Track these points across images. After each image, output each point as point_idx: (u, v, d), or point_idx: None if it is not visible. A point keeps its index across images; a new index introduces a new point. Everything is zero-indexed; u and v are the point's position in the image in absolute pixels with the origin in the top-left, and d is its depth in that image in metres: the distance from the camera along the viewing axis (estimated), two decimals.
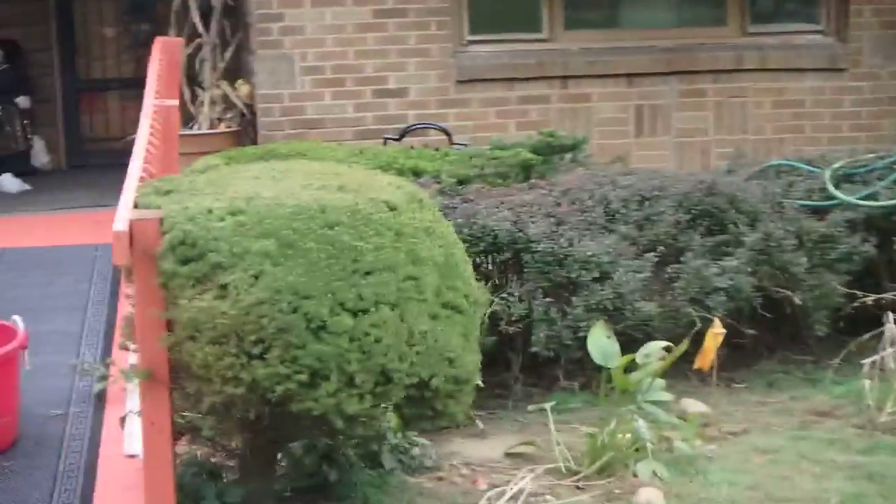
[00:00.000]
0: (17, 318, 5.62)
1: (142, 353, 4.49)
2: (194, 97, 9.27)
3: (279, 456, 5.08)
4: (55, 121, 10.81)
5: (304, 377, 4.22)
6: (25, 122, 10.41)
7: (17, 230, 8.69)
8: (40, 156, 10.55)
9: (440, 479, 5.31)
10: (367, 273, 4.31)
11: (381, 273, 4.33)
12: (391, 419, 5.06)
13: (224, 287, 4.24)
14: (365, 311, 4.27)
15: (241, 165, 5.30)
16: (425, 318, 4.42)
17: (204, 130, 9.14)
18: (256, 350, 4.24)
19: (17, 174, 10.01)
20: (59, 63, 10.89)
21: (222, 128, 9.21)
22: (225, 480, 4.91)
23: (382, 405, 4.47)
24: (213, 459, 5.01)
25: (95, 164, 10.55)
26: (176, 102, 6.39)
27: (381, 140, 8.26)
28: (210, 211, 4.38)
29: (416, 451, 5.43)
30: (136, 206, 4.57)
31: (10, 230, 8.62)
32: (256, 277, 4.23)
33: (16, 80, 10.31)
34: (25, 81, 10.48)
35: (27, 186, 9.89)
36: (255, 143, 8.74)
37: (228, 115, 9.28)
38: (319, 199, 4.46)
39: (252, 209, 4.39)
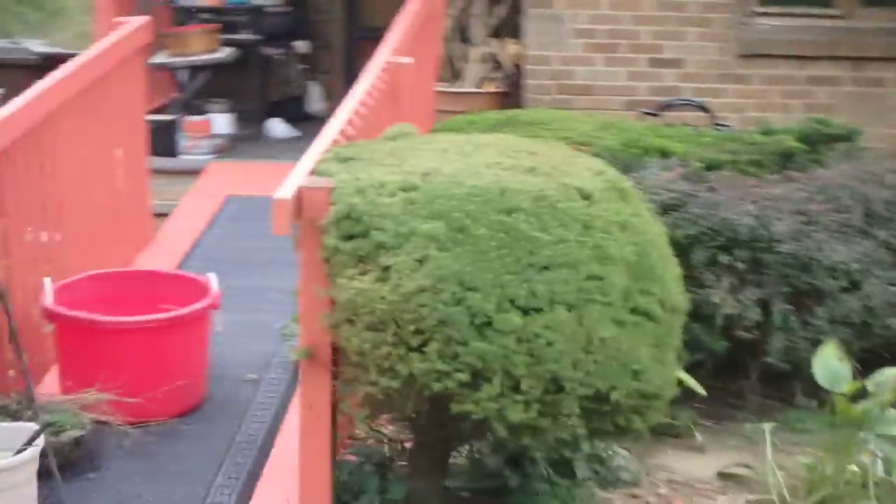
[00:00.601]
0: (212, 275, 5.58)
1: (303, 331, 4.38)
2: (462, 54, 9.09)
3: (460, 450, 4.86)
4: (334, 68, 10.79)
5: (464, 376, 3.98)
6: (303, 67, 10.43)
7: (263, 177, 8.71)
8: (314, 102, 10.57)
9: (634, 496, 5.01)
10: (544, 268, 4.02)
11: (560, 269, 4.03)
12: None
13: (386, 269, 4.05)
14: (537, 310, 3.99)
15: (436, 135, 5.08)
16: (608, 323, 4.07)
17: (468, 89, 8.95)
18: (415, 341, 4.03)
19: (289, 120, 10.06)
20: (342, 9, 10.85)
21: (488, 88, 8.99)
22: (391, 476, 4.67)
23: (553, 416, 4.13)
24: (383, 452, 4.77)
25: None
26: (409, 61, 6.21)
27: (639, 113, 7.88)
28: (381, 185, 4.19)
29: (616, 461, 5.08)
30: (314, 173, 4.41)
31: (256, 176, 8.62)
32: (420, 262, 4.01)
33: (296, 25, 10.35)
34: (305, 26, 10.50)
35: (296, 133, 9.91)
36: (519, 106, 8.49)
37: (496, 76, 9.07)
38: (501, 180, 4.19)
39: (425, 186, 4.17)
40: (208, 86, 9.35)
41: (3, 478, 4.24)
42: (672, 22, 8.65)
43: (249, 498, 4.78)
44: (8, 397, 4.94)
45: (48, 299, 5.33)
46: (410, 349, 4.03)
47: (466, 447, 4.94)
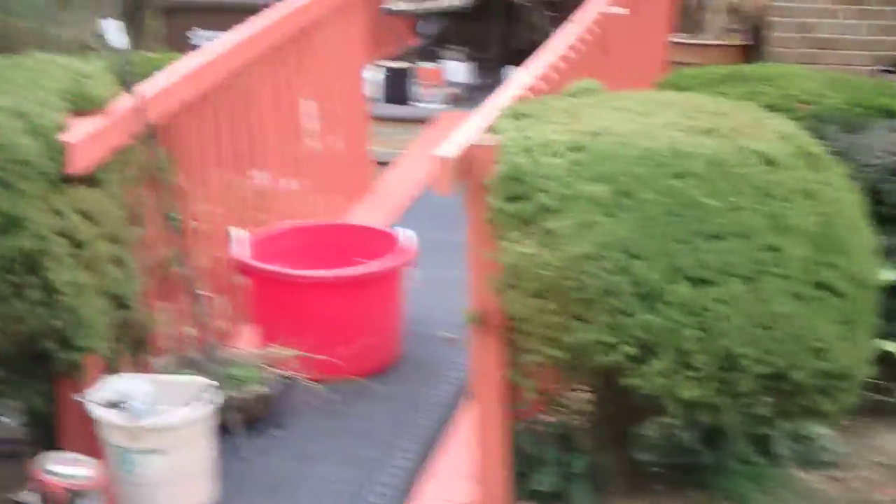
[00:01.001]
0: (410, 233, 5.57)
1: (473, 295, 4.32)
2: (700, 4, 8.84)
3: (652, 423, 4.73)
4: None
5: (631, 349, 3.90)
6: (547, 13, 10.19)
7: None
8: None
9: (836, 479, 4.75)
10: (714, 237, 3.89)
11: (732, 239, 3.89)
12: None
13: (550, 234, 3.98)
14: (708, 282, 3.85)
15: (621, 93, 4.90)
16: (786, 297, 3.90)
17: (707, 41, 8.69)
18: (579, 311, 3.95)
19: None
20: None
21: (730, 40, 8.71)
22: (574, 447, 4.58)
23: (731, 394, 3.97)
24: (564, 423, 4.67)
25: None
26: (623, 11, 6.05)
27: (874, 71, 7.48)
28: (548, 144, 4.10)
29: (820, 440, 4.86)
30: (490, 129, 4.35)
31: None
32: (584, 227, 3.91)
33: None
34: None
35: None
36: (762, 60, 8.20)
37: (738, 27, 8.76)
38: (675, 142, 4.07)
39: (594, 147, 4.07)
40: (447, 33, 9.32)
41: (183, 430, 4.39)
42: None
43: (430, 463, 4.79)
44: (201, 350, 5.06)
45: (242, 251, 5.44)
46: (575, 318, 3.95)
47: (658, 420, 4.79)
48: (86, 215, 4.36)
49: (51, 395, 4.54)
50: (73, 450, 4.44)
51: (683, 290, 3.83)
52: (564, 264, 3.91)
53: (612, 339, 3.88)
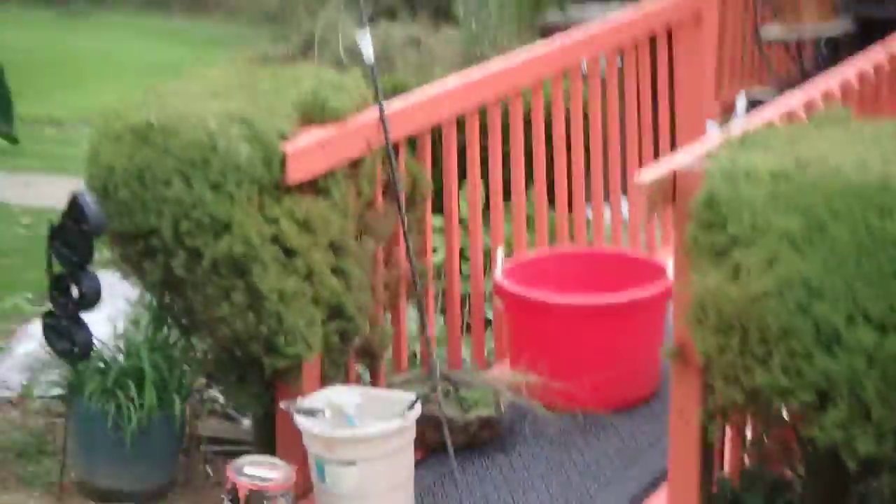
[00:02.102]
0: (670, 261, 5.63)
1: (675, 328, 4.37)
2: None
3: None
4: None
5: (808, 396, 3.88)
6: None
7: None
8: None
9: None
10: None
11: None
12: None
13: (737, 267, 4.00)
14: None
15: (866, 124, 4.78)
16: None
17: None
18: (760, 351, 3.98)
19: None
20: None
21: None
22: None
23: None
24: (774, 474, 4.63)
25: None
26: None
27: None
28: (751, 172, 4.12)
29: None
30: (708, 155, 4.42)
31: None
32: (770, 262, 3.92)
33: None
34: None
35: None
36: None
37: None
38: (891, 174, 3.97)
39: (798, 177, 4.06)
40: (825, 62, 9.16)
41: (377, 444, 4.67)
42: None
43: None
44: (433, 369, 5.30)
45: (498, 273, 5.69)
46: (755, 359, 3.99)
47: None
48: (302, 224, 4.72)
49: (266, 398, 4.94)
50: (284, 454, 4.81)
51: (867, 335, 3.79)
52: (748, 301, 3.94)
53: (789, 384, 3.88)
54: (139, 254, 4.69)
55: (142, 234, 4.64)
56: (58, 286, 4.78)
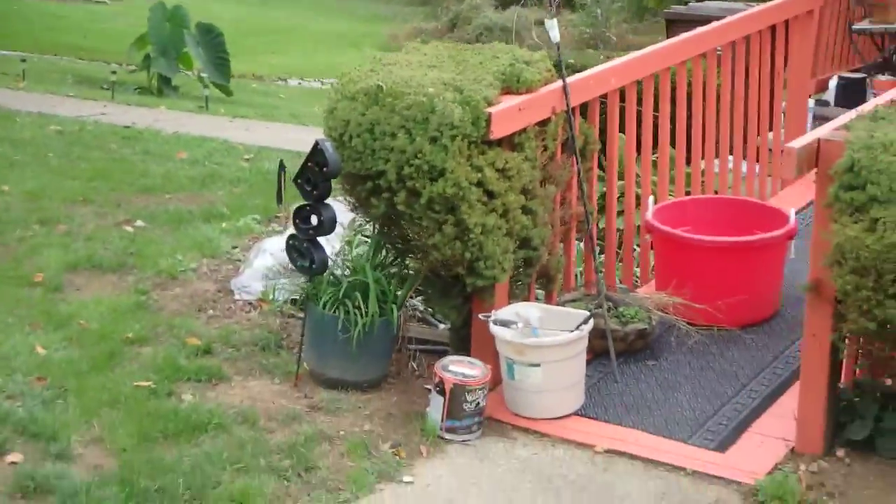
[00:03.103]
0: (792, 209, 5.40)
1: (811, 267, 4.21)
2: None
3: None
4: None
5: None
6: None
7: None
8: None
9: None
10: None
11: None
12: None
13: (875, 221, 3.92)
14: None
15: None
16: None
17: None
18: (892, 290, 3.84)
19: None
20: None
21: None
22: (890, 407, 4.36)
23: None
24: (886, 384, 4.42)
25: None
26: None
27: None
28: (890, 144, 3.95)
29: None
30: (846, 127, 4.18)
31: None
32: None
33: None
34: None
35: None
36: None
37: None
38: None
39: None
40: None
41: (557, 350, 4.57)
42: None
43: (771, 405, 4.70)
44: (597, 290, 5.16)
45: (649, 214, 5.47)
46: (888, 296, 3.84)
47: None
48: (502, 172, 4.59)
49: (464, 310, 4.82)
50: (478, 356, 4.71)
51: None
52: (884, 248, 3.82)
53: None
54: (367, 192, 4.58)
55: (370, 176, 4.54)
56: (299, 215, 4.68)
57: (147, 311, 5.44)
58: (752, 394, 4.78)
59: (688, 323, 5.08)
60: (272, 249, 5.83)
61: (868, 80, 8.68)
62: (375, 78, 4.59)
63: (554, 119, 4.88)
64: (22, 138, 9.10)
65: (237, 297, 5.62)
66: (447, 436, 4.49)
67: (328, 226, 4.60)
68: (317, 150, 4.51)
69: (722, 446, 4.41)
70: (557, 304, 5.07)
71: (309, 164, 4.56)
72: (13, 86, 12.34)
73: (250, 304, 5.58)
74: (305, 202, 4.64)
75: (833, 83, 8.39)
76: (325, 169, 4.51)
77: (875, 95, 8.62)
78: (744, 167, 6.53)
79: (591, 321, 4.67)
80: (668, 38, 9.14)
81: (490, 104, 4.55)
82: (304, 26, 33.46)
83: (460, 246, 4.51)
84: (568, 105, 4.90)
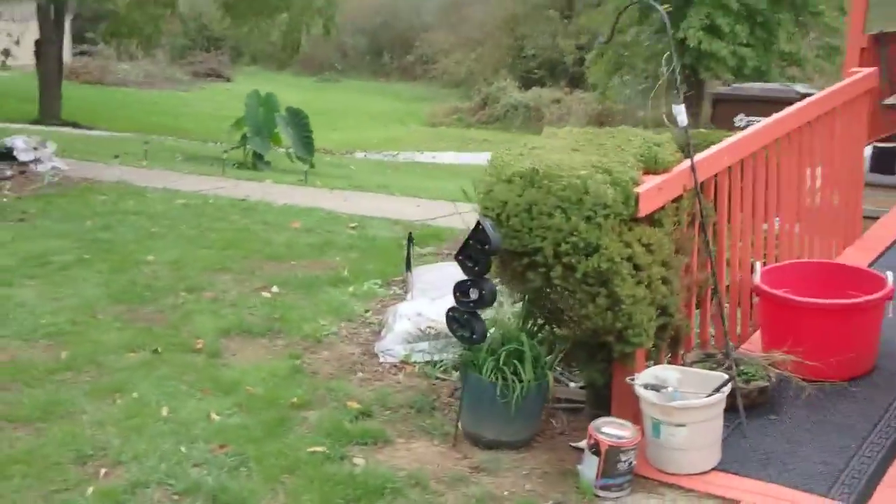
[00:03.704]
0: (889, 273, 4.92)
1: None
2: None
3: None
4: None
5: None
6: None
7: None
8: None
9: None
10: None
11: None
12: None
13: None
14: None
15: None
16: None
17: None
18: None
19: None
20: None
21: None
22: None
23: None
24: None
25: None
26: None
27: None
28: None
29: None
30: None
31: None
32: None
33: None
34: None
35: None
36: None
37: None
38: None
39: None
40: None
41: (701, 412, 4.09)
42: None
43: (893, 458, 4.17)
44: (716, 350, 4.70)
45: (756, 278, 5.00)
46: None
47: None
48: (646, 247, 4.16)
49: (607, 372, 4.36)
50: (619, 415, 4.25)
51: None
52: None
53: None
54: (524, 267, 4.10)
55: (527, 253, 4.06)
56: (460, 289, 4.22)
57: (304, 375, 4.96)
58: (874, 447, 4.23)
59: (801, 379, 4.60)
60: (408, 314, 5.38)
61: None
62: (527, 161, 4.14)
63: (685, 195, 4.41)
64: (155, 212, 8.71)
65: (382, 359, 5.15)
66: (601, 493, 3.98)
67: (489, 299, 4.14)
68: (479, 229, 4.06)
69: (861, 499, 3.87)
70: (683, 365, 4.59)
71: (470, 241, 4.11)
72: (137, 164, 12.00)
73: (395, 366, 5.11)
74: (467, 277, 4.19)
75: (868, 152, 7.97)
76: (486, 246, 4.05)
77: None
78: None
79: (730, 384, 4.20)
80: (713, 115, 8.78)
81: (636, 184, 4.11)
82: (355, 107, 33.32)
83: (611, 316, 4.04)
84: (696, 182, 4.44)
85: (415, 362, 5.09)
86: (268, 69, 36.75)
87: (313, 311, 5.88)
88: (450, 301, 5.47)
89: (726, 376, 4.20)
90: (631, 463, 4.01)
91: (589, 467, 4.04)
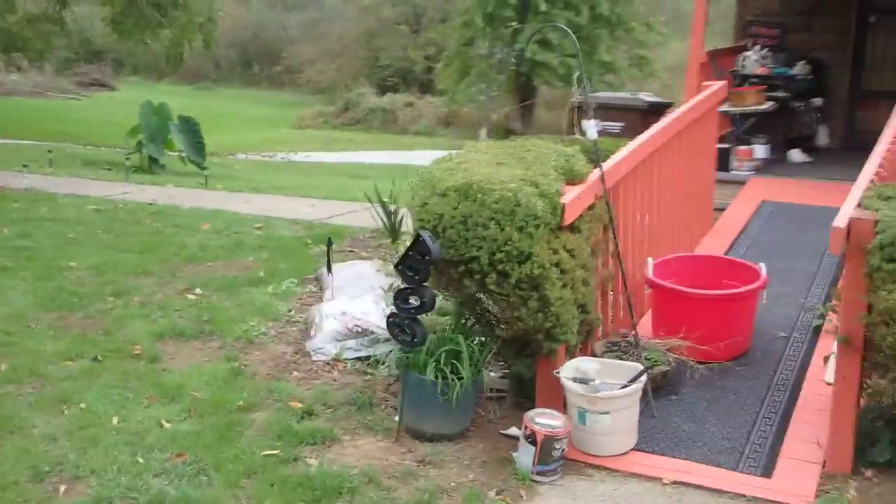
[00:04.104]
0: (762, 265, 4.88)
1: (843, 323, 3.71)
2: None
3: None
4: (839, 117, 9.41)
5: None
6: (816, 115, 9.23)
7: (787, 189, 7.76)
8: (821, 139, 9.34)
9: None
10: None
11: None
12: None
13: None
14: None
15: None
16: None
17: None
18: None
19: (804, 150, 8.94)
20: (849, 77, 9.46)
21: None
22: None
23: None
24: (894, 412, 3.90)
25: (861, 147, 9.09)
26: None
27: None
28: None
29: None
30: (859, 206, 3.63)
31: (782, 188, 7.75)
32: None
33: (815, 88, 9.15)
34: (821, 89, 9.25)
35: (809, 159, 8.84)
36: None
37: None
38: None
39: None
40: (753, 126, 8.42)
41: (623, 400, 3.91)
42: None
43: (785, 429, 4.14)
44: (618, 337, 4.55)
45: (649, 272, 4.87)
46: None
47: None
48: (570, 252, 3.94)
49: (533, 366, 4.13)
50: (543, 403, 4.05)
51: None
52: None
53: None
54: (460, 274, 3.81)
55: (463, 261, 3.77)
56: (400, 297, 3.89)
57: (244, 377, 4.52)
58: (767, 421, 4.17)
59: (694, 361, 4.47)
60: (333, 313, 5.02)
61: (731, 148, 8.36)
62: (459, 176, 3.84)
63: (596, 202, 4.22)
64: (69, 218, 7.99)
65: (315, 358, 4.75)
66: (538, 478, 3.76)
67: (430, 305, 3.83)
68: (419, 241, 3.74)
69: (766, 472, 3.79)
70: (592, 354, 4.41)
71: (410, 253, 3.80)
72: (43, 171, 11.08)
73: (328, 363, 4.72)
74: (407, 286, 3.87)
75: None
76: (426, 257, 3.75)
77: (738, 160, 8.32)
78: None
79: (646, 374, 4.02)
80: (572, 123, 8.66)
81: (560, 195, 3.88)
82: (231, 113, 32.11)
83: (542, 317, 3.80)
84: (605, 191, 4.24)
85: (345, 359, 4.75)
86: (149, 79, 35.15)
87: (240, 312, 5.43)
88: (369, 299, 5.14)
89: (640, 366, 4.03)
90: (563, 450, 3.80)
91: (525, 455, 3.81)
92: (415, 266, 3.80)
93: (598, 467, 3.89)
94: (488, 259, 3.72)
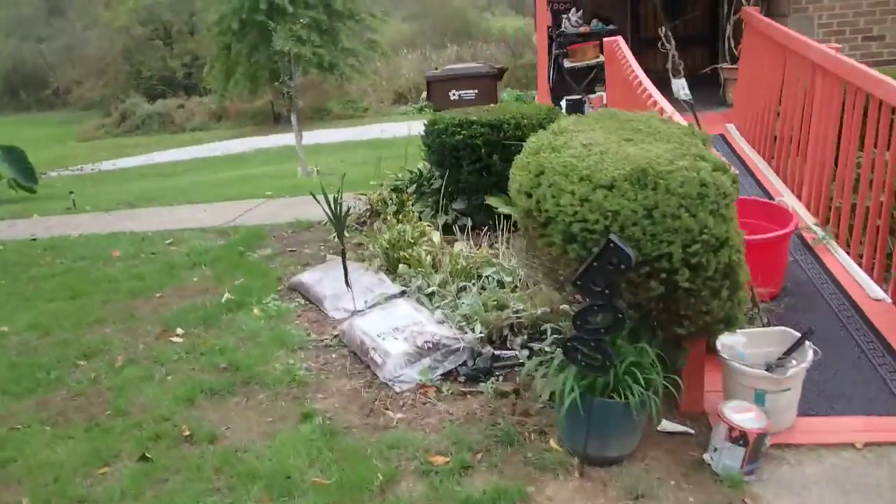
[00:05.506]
0: (783, 200, 3.97)
1: None
2: None
3: None
4: None
5: None
6: None
7: None
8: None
9: None
10: None
11: None
12: None
13: None
14: None
15: None
16: None
17: None
18: None
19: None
20: (629, 26, 8.85)
21: None
22: None
23: None
24: None
25: None
26: None
27: None
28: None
29: None
30: None
31: None
32: None
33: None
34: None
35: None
36: None
37: None
38: None
39: None
40: (595, 78, 7.57)
41: (802, 372, 2.80)
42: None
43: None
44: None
45: None
46: None
47: None
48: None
49: (687, 355, 2.88)
50: (690, 388, 2.86)
51: None
52: None
53: None
54: (643, 276, 2.49)
55: (649, 261, 2.46)
56: (581, 317, 2.51)
57: (341, 436, 2.88)
58: (871, 347, 3.24)
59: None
60: (386, 332, 3.45)
61: (585, 98, 7.44)
62: (610, 162, 2.50)
63: None
64: None
65: (398, 389, 3.20)
66: (749, 478, 2.64)
67: (623, 321, 2.50)
68: (612, 247, 2.38)
69: None
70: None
71: (596, 264, 2.41)
72: None
73: (413, 392, 3.17)
74: (593, 303, 2.48)
75: (563, 103, 7.12)
76: (621, 266, 2.39)
77: (592, 108, 7.44)
78: None
79: (808, 338, 2.90)
80: (429, 95, 7.40)
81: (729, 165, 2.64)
82: (10, 136, 26.79)
83: (730, 305, 2.60)
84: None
85: (431, 381, 3.27)
86: None
87: (256, 349, 3.68)
88: (405, 306, 3.67)
89: (789, 330, 2.96)
90: (769, 443, 2.69)
91: (731, 457, 2.63)
92: (609, 278, 2.43)
93: (777, 445, 2.79)
94: (682, 253, 2.46)
